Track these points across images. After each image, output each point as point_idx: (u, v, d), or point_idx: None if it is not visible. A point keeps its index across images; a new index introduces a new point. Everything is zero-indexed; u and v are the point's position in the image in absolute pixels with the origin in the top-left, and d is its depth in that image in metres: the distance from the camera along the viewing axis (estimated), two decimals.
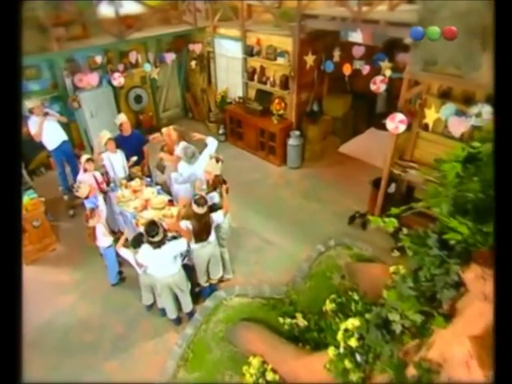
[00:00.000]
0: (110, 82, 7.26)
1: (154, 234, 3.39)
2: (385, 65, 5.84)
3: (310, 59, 6.27)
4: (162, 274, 3.70)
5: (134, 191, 5.07)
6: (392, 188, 5.64)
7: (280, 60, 6.56)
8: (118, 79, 6.77)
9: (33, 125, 5.32)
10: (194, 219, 3.75)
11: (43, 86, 6.85)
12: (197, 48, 7.77)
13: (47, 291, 4.70)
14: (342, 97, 7.54)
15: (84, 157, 4.95)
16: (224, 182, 4.13)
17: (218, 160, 4.06)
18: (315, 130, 7.07)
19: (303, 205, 6.11)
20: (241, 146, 7.87)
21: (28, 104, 5.25)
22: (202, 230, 3.81)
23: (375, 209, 5.59)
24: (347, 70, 5.89)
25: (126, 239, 3.93)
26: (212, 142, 4.67)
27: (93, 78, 6.49)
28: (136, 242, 3.72)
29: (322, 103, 7.47)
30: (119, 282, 4.74)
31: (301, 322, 3.90)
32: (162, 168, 5.50)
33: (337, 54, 6.02)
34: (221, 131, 8.21)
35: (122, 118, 5.50)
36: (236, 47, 7.37)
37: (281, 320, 4.01)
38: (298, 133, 6.89)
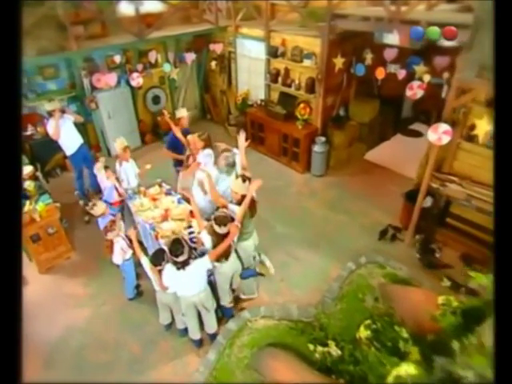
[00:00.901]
0: (127, 82, 7.05)
1: (178, 253, 3.10)
2: (419, 69, 5.44)
3: (338, 62, 5.89)
4: (188, 293, 3.40)
5: (153, 199, 4.81)
6: (427, 202, 5.24)
7: (307, 62, 6.21)
8: (137, 79, 6.50)
9: (51, 126, 5.10)
10: (215, 237, 3.45)
11: (60, 85, 6.65)
12: (218, 48, 7.46)
13: (62, 303, 4.46)
14: (369, 102, 7.15)
15: (101, 164, 4.69)
16: (253, 202, 3.79)
17: (244, 179, 3.68)
18: (341, 136, 6.69)
19: (329, 216, 5.75)
20: (262, 151, 7.54)
21: (47, 106, 5.02)
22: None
23: (409, 224, 5.19)
24: (381, 74, 5.49)
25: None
26: (239, 155, 4.33)
27: (111, 78, 6.24)
28: (156, 259, 3.44)
29: (348, 108, 7.09)
30: (136, 296, 4.48)
31: (334, 350, 3.56)
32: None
33: (369, 56, 5.63)
34: None
35: (183, 112, 5.34)
36: (259, 48, 7.05)
37: (311, 347, 3.67)
38: (323, 139, 6.53)
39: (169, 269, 3.26)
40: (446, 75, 5.56)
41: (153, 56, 6.66)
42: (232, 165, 4.06)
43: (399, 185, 6.44)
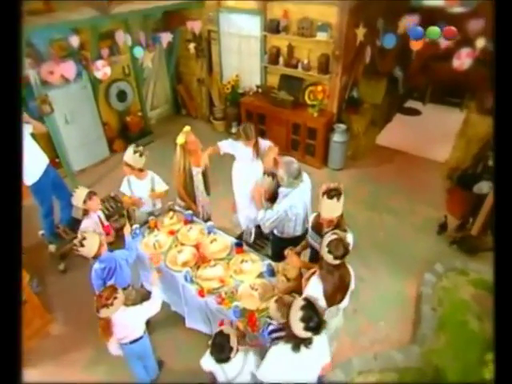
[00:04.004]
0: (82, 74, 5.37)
1: (315, 325, 1.88)
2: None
3: (360, 33, 4.93)
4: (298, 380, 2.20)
5: (171, 233, 3.45)
6: (483, 188, 4.59)
7: (321, 35, 5.13)
8: (103, 69, 4.88)
9: None
10: (327, 273, 2.29)
11: None
12: (196, 26, 6.04)
13: None
14: (379, 80, 6.36)
15: (82, 193, 3.10)
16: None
17: (331, 195, 2.52)
18: (360, 121, 5.82)
19: (374, 219, 4.86)
20: None
21: None
22: (336, 289, 2.31)
23: (464, 214, 4.54)
24: (417, 44, 4.64)
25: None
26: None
27: (69, 69, 4.55)
28: (221, 352, 2.13)
29: (359, 88, 6.22)
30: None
31: None
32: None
33: (402, 24, 4.74)
34: (234, 129, 6.63)
35: None
36: (252, 23, 5.80)
37: None
38: (344, 126, 5.58)
39: (279, 351, 2.03)
40: (480, 42, 4.92)
41: (120, 37, 5.06)
42: (296, 175, 2.89)
43: (428, 171, 5.82)
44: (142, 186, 3.42)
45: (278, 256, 3.17)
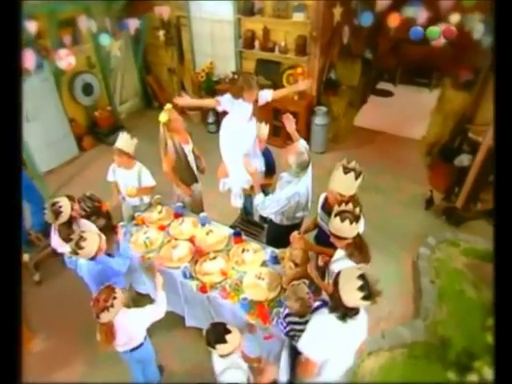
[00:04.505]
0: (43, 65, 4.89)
1: (369, 294, 1.69)
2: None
3: (337, 12, 4.84)
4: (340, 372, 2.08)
5: (161, 228, 3.22)
6: (463, 160, 4.72)
7: (298, 16, 4.99)
8: (67, 59, 4.45)
9: None
10: (358, 251, 2.27)
11: None
12: (164, 12, 5.68)
13: None
14: (354, 61, 6.34)
15: (65, 201, 2.72)
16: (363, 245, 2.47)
17: (346, 170, 2.44)
18: (340, 103, 5.78)
19: (364, 198, 4.74)
20: None
21: None
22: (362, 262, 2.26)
23: (447, 187, 4.66)
24: (395, 20, 4.62)
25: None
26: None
27: (27, 59, 4.10)
28: (218, 337, 1.97)
29: (336, 70, 6.17)
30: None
31: (487, 374, 2.73)
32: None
33: (380, 2, 4.68)
34: (210, 119, 6.38)
35: None
36: (225, 6, 5.54)
37: (451, 376, 2.80)
38: (325, 109, 5.52)
39: (324, 321, 1.89)
40: (455, 17, 4.99)
41: (83, 23, 4.63)
42: (304, 165, 2.76)
43: (407, 148, 5.94)
44: (128, 177, 3.16)
45: (275, 244, 3.06)
